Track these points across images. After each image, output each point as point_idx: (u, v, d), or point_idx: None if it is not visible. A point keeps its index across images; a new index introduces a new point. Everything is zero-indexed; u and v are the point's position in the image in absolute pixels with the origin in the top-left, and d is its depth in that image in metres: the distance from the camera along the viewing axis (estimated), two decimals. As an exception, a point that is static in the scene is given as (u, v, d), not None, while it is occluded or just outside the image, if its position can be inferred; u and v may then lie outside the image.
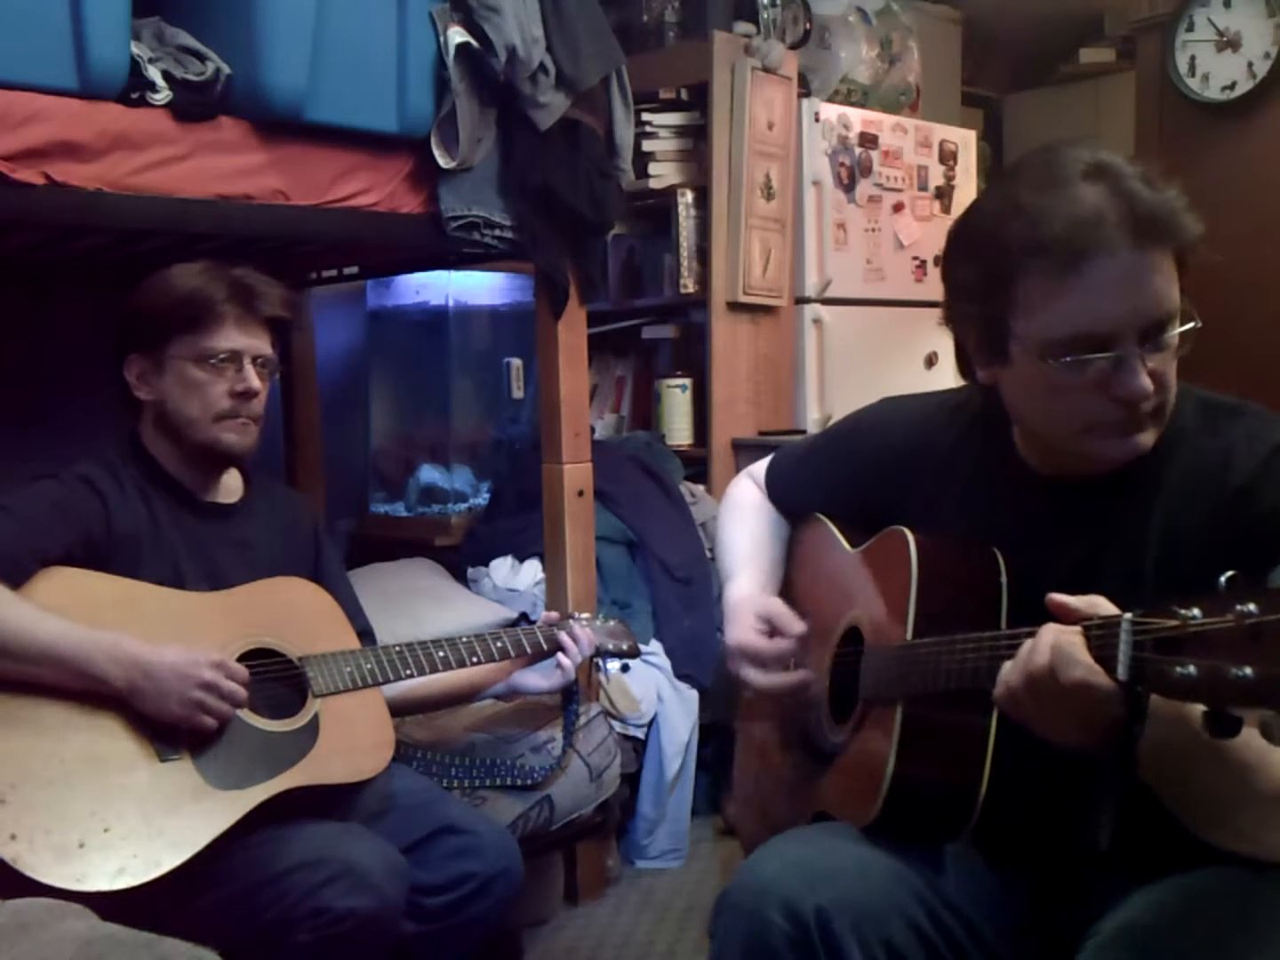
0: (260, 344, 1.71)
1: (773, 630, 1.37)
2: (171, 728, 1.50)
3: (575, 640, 1.95)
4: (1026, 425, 1.23)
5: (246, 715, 1.57)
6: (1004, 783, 1.14)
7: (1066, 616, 1.01)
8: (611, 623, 2.11)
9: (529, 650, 1.92)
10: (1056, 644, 0.99)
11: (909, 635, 1.20)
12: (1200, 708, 0.87)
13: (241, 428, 1.70)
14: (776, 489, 1.58)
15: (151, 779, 1.47)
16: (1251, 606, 0.83)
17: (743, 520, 1.57)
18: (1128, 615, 0.92)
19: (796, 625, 1.36)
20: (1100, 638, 0.94)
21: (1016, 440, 1.27)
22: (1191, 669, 0.85)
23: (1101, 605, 1.01)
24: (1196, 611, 0.86)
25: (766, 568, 1.51)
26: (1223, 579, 0.86)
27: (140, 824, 1.43)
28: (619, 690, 2.58)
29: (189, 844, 1.44)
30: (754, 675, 1.37)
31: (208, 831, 1.46)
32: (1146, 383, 1.09)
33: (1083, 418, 1.13)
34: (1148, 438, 1.14)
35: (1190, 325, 1.11)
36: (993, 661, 1.07)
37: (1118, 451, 1.14)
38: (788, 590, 1.53)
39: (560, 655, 1.93)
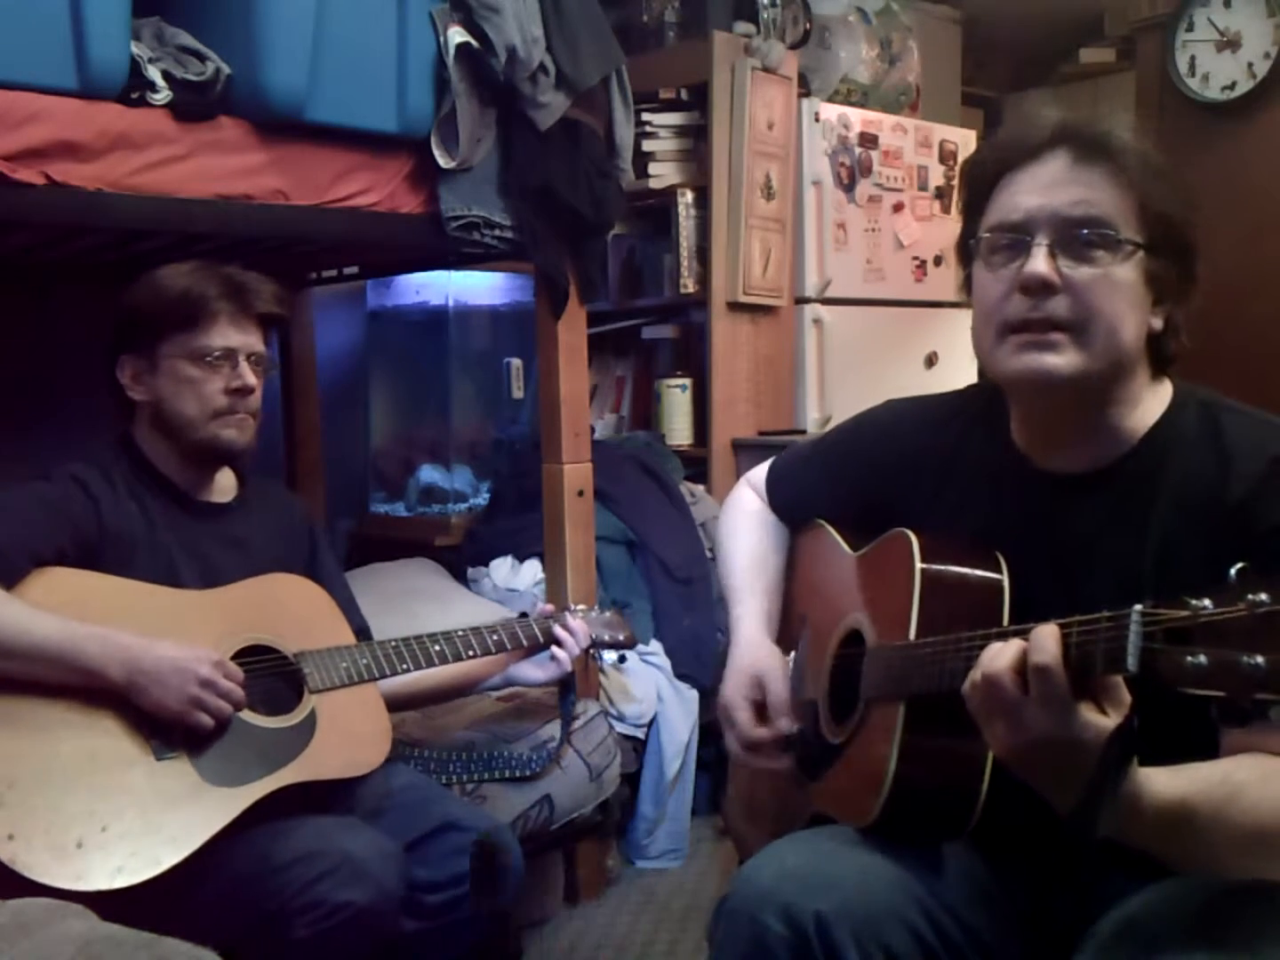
0: (254, 341, 1.71)
1: (763, 703, 1.40)
2: (168, 725, 1.50)
3: (571, 632, 1.94)
4: (977, 350, 1.24)
5: (243, 712, 1.56)
6: (1005, 781, 1.14)
7: None
8: (608, 614, 2.10)
9: (525, 643, 1.91)
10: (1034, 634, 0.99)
11: (912, 636, 1.20)
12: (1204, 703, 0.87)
13: (240, 423, 1.70)
14: (777, 494, 1.58)
15: (149, 777, 1.47)
16: (1263, 596, 0.83)
17: (744, 533, 1.58)
18: (1137, 607, 0.92)
19: (783, 722, 1.38)
20: (1110, 629, 0.94)
21: (1014, 435, 1.27)
22: (1203, 659, 0.85)
23: None
24: (1207, 602, 0.86)
25: (769, 589, 1.52)
26: (1233, 570, 0.86)
27: (138, 822, 1.43)
28: (618, 688, 2.58)
29: (187, 841, 1.44)
30: (732, 746, 1.42)
31: (206, 829, 1.46)
32: (1040, 266, 1.12)
33: (999, 314, 1.16)
34: (1058, 360, 1.13)
35: (1112, 232, 1.12)
36: None
37: (1024, 367, 1.15)
38: (788, 597, 1.53)
39: (555, 648, 1.93)
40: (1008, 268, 1.16)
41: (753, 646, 1.45)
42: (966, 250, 1.24)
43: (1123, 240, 1.13)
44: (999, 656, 1.00)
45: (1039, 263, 1.13)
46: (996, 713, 1.00)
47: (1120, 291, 1.14)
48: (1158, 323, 1.18)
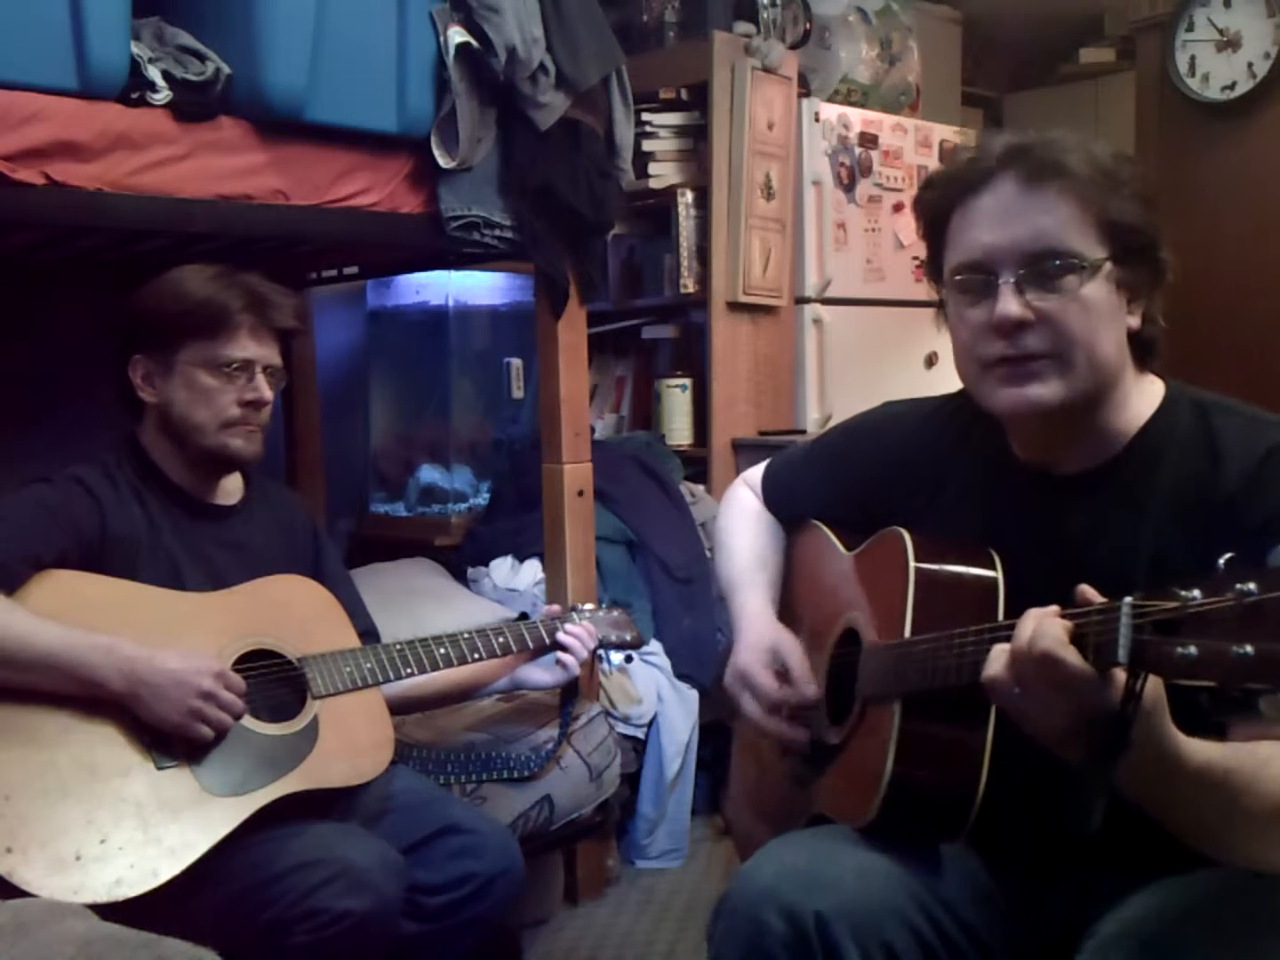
0: (271, 354, 1.71)
1: (782, 671, 1.37)
2: (168, 734, 1.50)
3: (576, 635, 1.93)
4: (963, 381, 1.24)
5: (245, 719, 1.56)
6: (1003, 781, 1.14)
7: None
8: (615, 613, 2.09)
9: (531, 645, 1.90)
10: (1036, 617, 0.99)
11: (907, 634, 1.20)
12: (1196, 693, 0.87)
13: (249, 434, 1.70)
14: (773, 495, 1.58)
15: (149, 786, 1.46)
16: (1251, 585, 0.83)
17: (743, 531, 1.58)
18: (1127, 599, 0.92)
19: (809, 687, 1.36)
20: (1100, 622, 0.94)
21: (1009, 440, 1.27)
22: (1192, 649, 0.85)
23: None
24: (1196, 593, 0.86)
25: (771, 583, 1.52)
26: (1221, 561, 0.86)
27: (137, 833, 1.42)
28: (619, 689, 2.58)
29: (187, 852, 1.43)
30: (751, 708, 1.38)
31: (206, 839, 1.45)
32: (1010, 307, 1.13)
33: (977, 352, 1.17)
34: (1043, 390, 1.14)
35: (1076, 259, 1.12)
36: None
37: (1011, 401, 1.16)
38: (785, 597, 1.53)
39: (561, 653, 1.92)
40: (977, 308, 1.17)
41: (763, 622, 1.44)
42: (934, 276, 1.25)
43: (1088, 264, 1.13)
44: (1048, 630, 0.97)
45: (1008, 303, 1.13)
46: (1051, 687, 0.97)
47: (1094, 310, 1.14)
48: (1135, 321, 1.19)
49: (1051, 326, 1.13)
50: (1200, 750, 0.99)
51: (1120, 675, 0.95)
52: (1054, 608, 1.00)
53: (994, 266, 1.15)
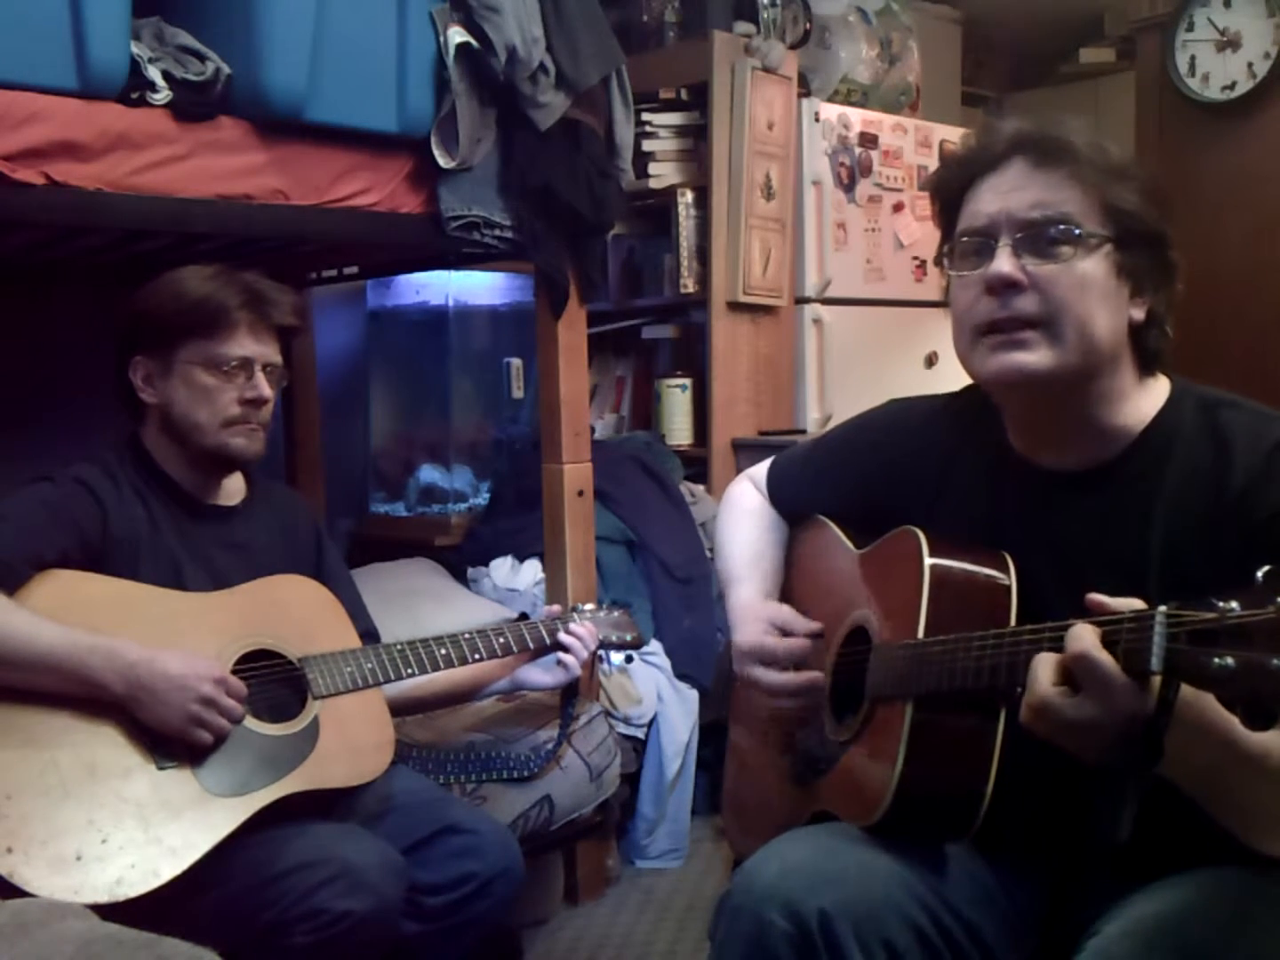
0: (271, 352, 1.71)
1: (784, 633, 1.40)
2: (169, 736, 1.49)
3: (578, 636, 1.93)
4: (959, 355, 1.25)
5: (246, 719, 1.56)
6: (1010, 783, 1.14)
7: (1101, 613, 1.01)
8: (615, 613, 2.08)
9: (531, 645, 1.90)
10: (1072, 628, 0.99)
11: (920, 633, 1.20)
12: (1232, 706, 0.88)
13: (250, 433, 1.69)
14: (778, 490, 1.58)
15: (150, 787, 1.46)
16: None
17: (743, 525, 1.58)
18: (1161, 608, 0.92)
19: (809, 624, 1.39)
20: (1133, 629, 0.94)
21: (1010, 436, 1.27)
22: (1229, 660, 0.85)
23: (1138, 606, 1.00)
24: (1235, 605, 0.86)
25: (768, 575, 1.52)
26: (1260, 573, 0.86)
27: (138, 833, 1.42)
28: (619, 689, 2.58)
29: (188, 852, 1.43)
30: (764, 674, 1.38)
31: (206, 840, 1.45)
32: (1004, 266, 1.15)
33: (970, 317, 1.19)
34: (1030, 358, 1.15)
35: (1074, 227, 1.14)
36: (1013, 658, 1.07)
37: (998, 367, 1.17)
38: (787, 593, 1.53)
39: (562, 654, 1.92)
40: (975, 271, 1.18)
41: (753, 605, 1.46)
42: (942, 261, 1.27)
43: (1084, 234, 1.14)
44: (1080, 633, 0.98)
45: (1003, 262, 1.15)
46: (1092, 691, 0.98)
47: (1088, 285, 1.14)
48: (1138, 313, 1.19)
49: (1043, 292, 1.14)
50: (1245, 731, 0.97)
51: (1153, 684, 0.95)
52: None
53: (994, 231, 1.17)
